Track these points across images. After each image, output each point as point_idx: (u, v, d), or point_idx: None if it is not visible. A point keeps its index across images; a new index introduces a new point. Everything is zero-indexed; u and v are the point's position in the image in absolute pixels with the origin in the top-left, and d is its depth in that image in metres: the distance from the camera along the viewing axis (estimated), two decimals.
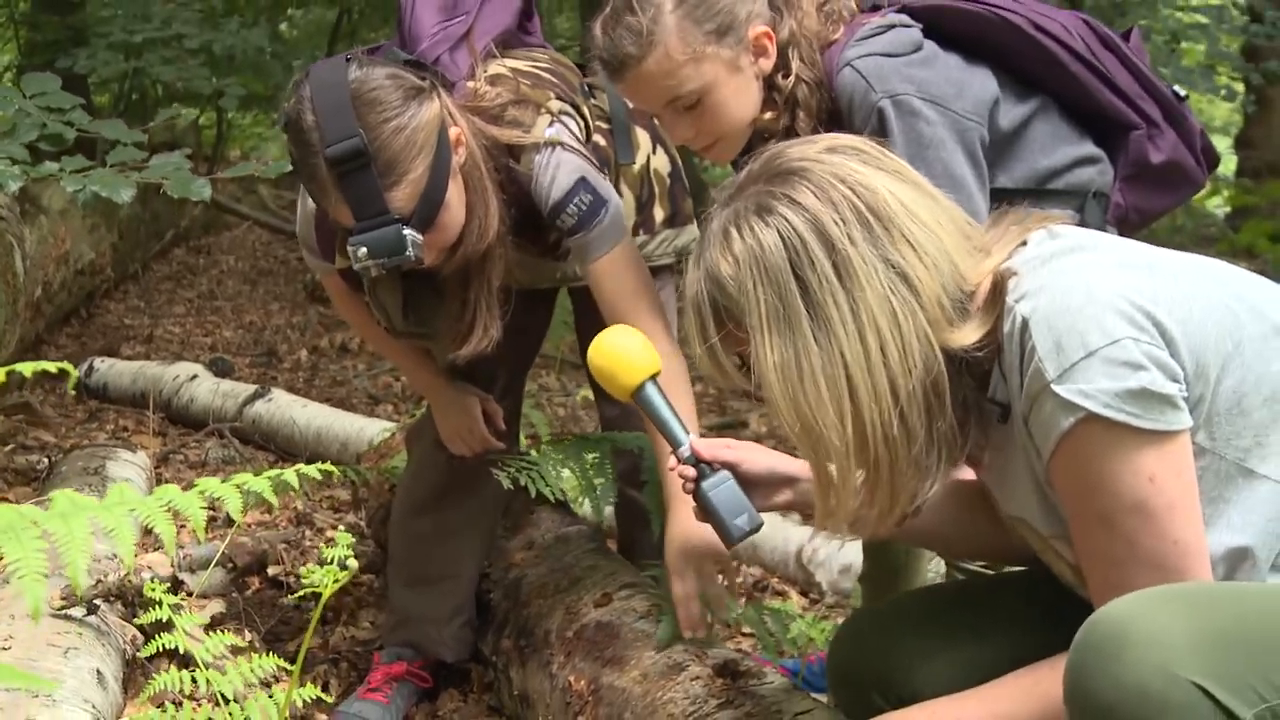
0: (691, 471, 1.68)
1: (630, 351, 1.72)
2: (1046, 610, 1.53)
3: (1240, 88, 8.60)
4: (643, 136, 2.35)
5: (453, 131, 1.94)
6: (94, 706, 1.88)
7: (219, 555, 2.65)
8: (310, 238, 2.22)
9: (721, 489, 1.66)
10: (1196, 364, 1.33)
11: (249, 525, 3.20)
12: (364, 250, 1.86)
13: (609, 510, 2.61)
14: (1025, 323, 1.34)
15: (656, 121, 2.23)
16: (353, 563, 1.22)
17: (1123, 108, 1.96)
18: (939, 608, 1.80)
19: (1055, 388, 1.31)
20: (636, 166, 2.30)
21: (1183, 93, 1.98)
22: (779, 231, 1.39)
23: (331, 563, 1.20)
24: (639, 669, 1.98)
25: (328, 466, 1.31)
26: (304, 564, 3.01)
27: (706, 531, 2.05)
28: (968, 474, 1.68)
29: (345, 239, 1.93)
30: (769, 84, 1.96)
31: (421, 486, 2.49)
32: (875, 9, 2.01)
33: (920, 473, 1.43)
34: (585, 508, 2.68)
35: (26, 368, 1.06)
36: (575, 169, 2.04)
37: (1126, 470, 1.31)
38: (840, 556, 3.13)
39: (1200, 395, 1.33)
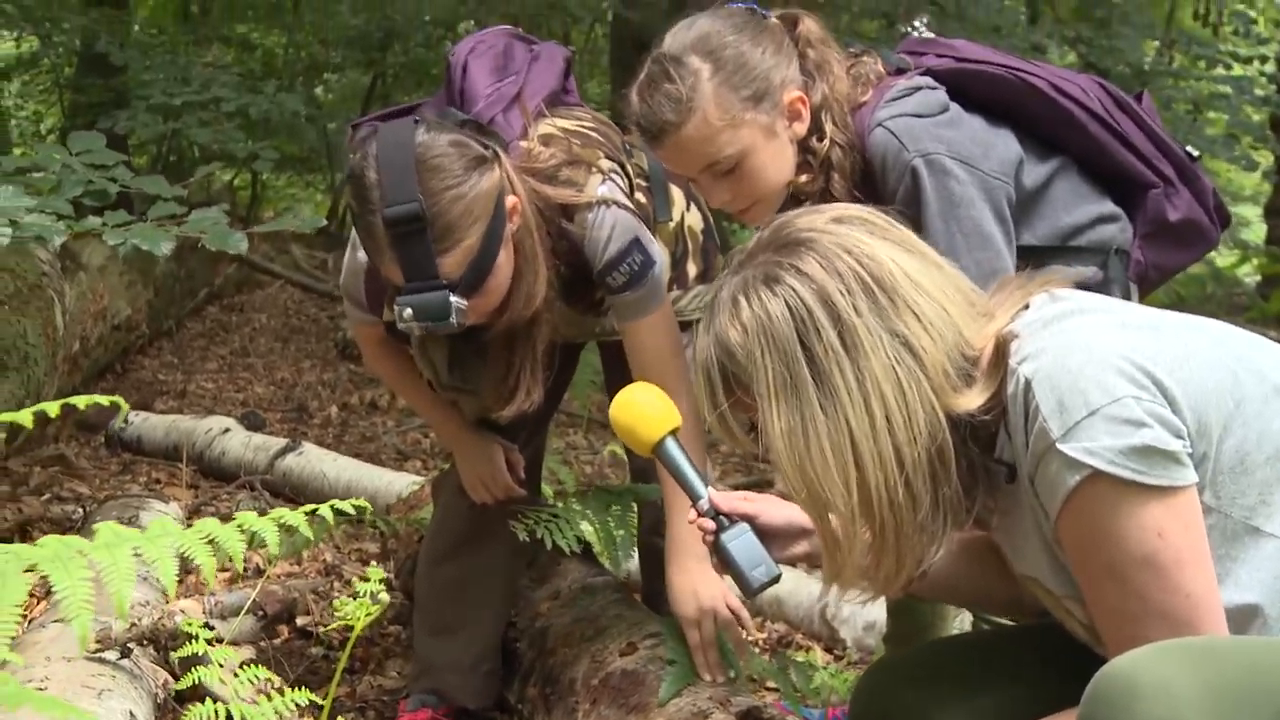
0: (711, 524, 1.71)
1: (652, 407, 1.78)
2: (1065, 661, 1.54)
3: (1262, 158, 8.63)
4: (678, 194, 2.40)
5: (510, 200, 1.99)
6: None
7: (249, 603, 2.68)
8: (357, 290, 2.27)
9: (740, 540, 1.69)
10: (1199, 422, 1.35)
11: (279, 576, 3.23)
12: (409, 312, 1.92)
13: (632, 563, 2.63)
14: (1028, 383, 1.37)
15: (692, 184, 2.29)
16: (384, 596, 1.25)
17: (1140, 167, 2.01)
18: (959, 658, 1.82)
19: (1060, 446, 1.33)
20: (672, 224, 2.36)
21: (1195, 153, 2.02)
22: (786, 302, 1.43)
23: (364, 596, 1.23)
24: (664, 716, 1.99)
25: (361, 502, 1.35)
26: (333, 616, 3.05)
27: (715, 580, 2.09)
28: None
29: (394, 295, 1.98)
30: (804, 147, 2.01)
31: (445, 535, 2.53)
32: (900, 72, 2.06)
33: (926, 537, 1.45)
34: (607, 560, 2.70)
35: (81, 401, 1.11)
36: (630, 228, 2.10)
37: (1133, 525, 1.33)
38: (864, 613, 3.13)
39: (1204, 454, 1.36)
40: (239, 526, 1.25)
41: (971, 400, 1.43)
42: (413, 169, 1.90)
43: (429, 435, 5.24)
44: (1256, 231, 11.41)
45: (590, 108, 2.38)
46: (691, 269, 2.41)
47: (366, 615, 1.23)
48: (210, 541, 1.25)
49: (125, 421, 4.60)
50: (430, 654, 2.47)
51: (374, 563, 1.28)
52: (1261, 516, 1.38)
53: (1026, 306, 1.49)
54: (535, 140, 2.11)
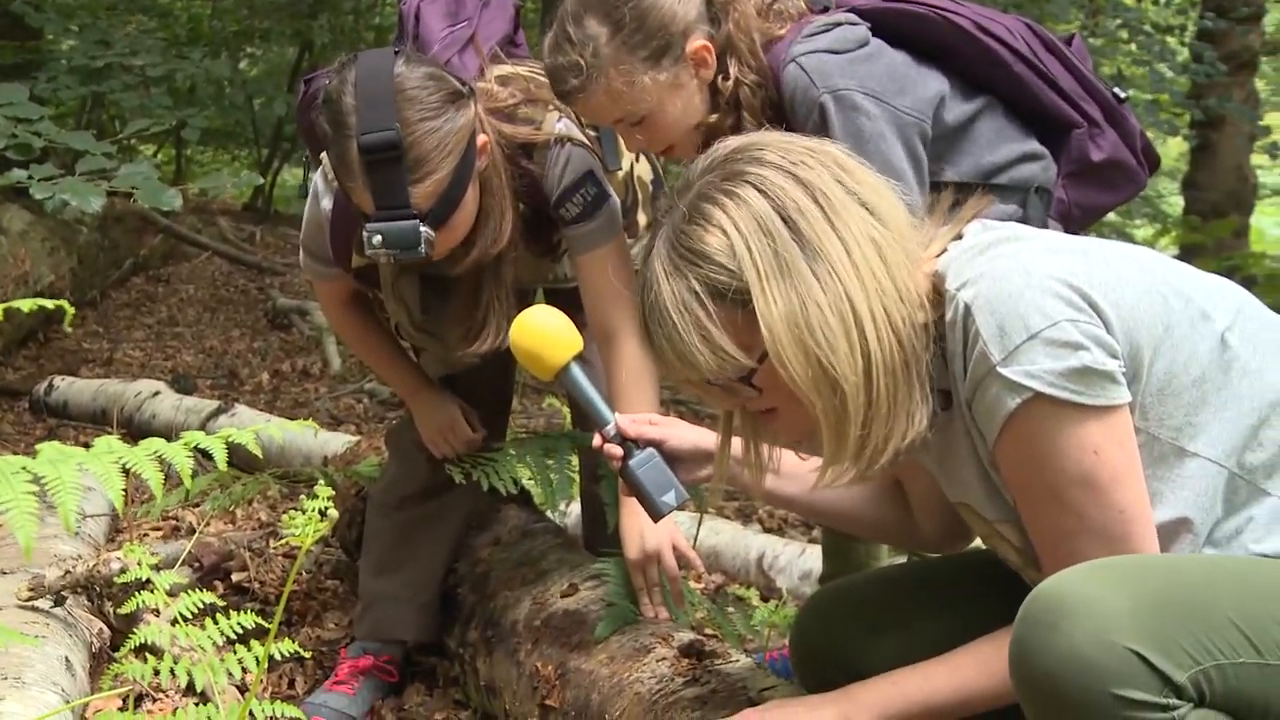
0: (618, 450, 1.71)
1: (555, 332, 1.73)
2: (1001, 588, 1.57)
3: (1181, 123, 8.82)
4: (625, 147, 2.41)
5: (480, 138, 2.01)
6: (62, 690, 1.89)
7: (185, 554, 2.66)
8: (321, 244, 2.26)
9: (648, 466, 1.70)
10: (1131, 344, 1.39)
11: (214, 533, 3.20)
12: (379, 239, 1.92)
13: (572, 507, 2.64)
14: (968, 309, 1.39)
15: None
16: (333, 512, 1.25)
17: (1065, 107, 2.03)
18: (897, 587, 1.85)
19: (1001, 370, 1.36)
20: (621, 173, 2.38)
21: (1123, 94, 2.06)
22: (756, 187, 1.42)
23: (312, 511, 1.23)
24: (606, 652, 2.01)
25: (310, 423, 1.34)
26: (270, 572, 3.03)
27: (663, 525, 2.11)
28: None
29: (364, 222, 1.97)
30: (711, 88, 2.02)
31: (398, 486, 2.53)
32: (824, 9, 2.08)
33: (912, 407, 1.45)
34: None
35: (25, 304, 1.09)
36: (585, 161, 2.13)
37: (1072, 445, 1.36)
38: (800, 562, 3.17)
39: (1135, 374, 1.39)
40: (186, 444, 1.24)
41: (919, 315, 1.45)
42: (391, 97, 1.90)
43: (362, 401, 5.21)
44: (1175, 205, 11.66)
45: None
46: (642, 218, 2.44)
47: (315, 531, 1.23)
48: (157, 458, 1.24)
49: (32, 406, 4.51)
50: (371, 590, 2.49)
51: (320, 481, 1.27)
52: (1187, 437, 1.42)
53: (959, 236, 1.52)
54: (492, 80, 2.13)
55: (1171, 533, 1.42)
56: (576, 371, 1.73)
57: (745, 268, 1.40)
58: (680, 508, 1.72)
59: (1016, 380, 1.35)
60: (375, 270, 2.24)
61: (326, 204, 2.17)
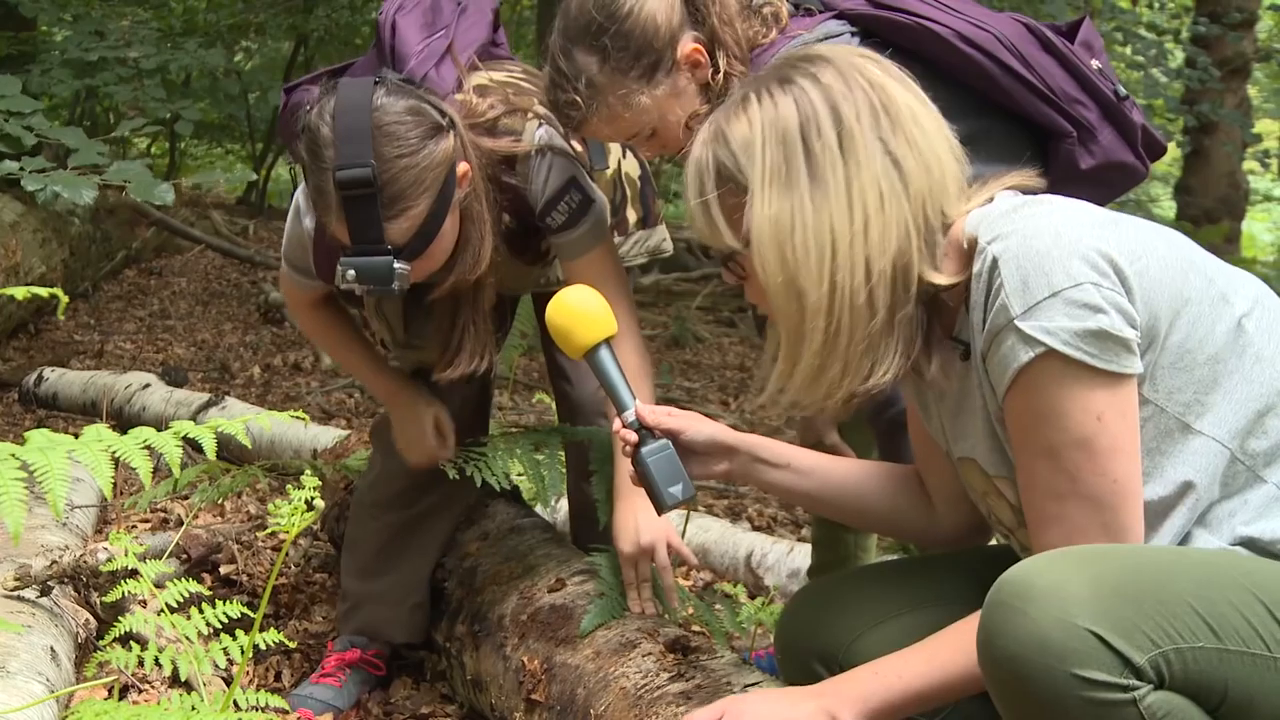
0: (633, 436, 1.72)
1: (590, 311, 1.75)
2: (982, 583, 1.58)
3: (1174, 128, 8.83)
4: (613, 143, 2.41)
5: (461, 167, 2.00)
6: (47, 679, 1.89)
7: (172, 546, 2.66)
8: (304, 258, 2.25)
9: (660, 456, 1.70)
10: (1150, 314, 1.41)
11: (203, 526, 3.20)
12: (352, 273, 1.93)
13: (561, 503, 2.64)
14: (995, 261, 1.42)
15: None
16: (319, 503, 1.26)
17: (1053, 117, 1.97)
18: (879, 581, 1.86)
19: (1018, 323, 1.39)
20: (609, 171, 2.38)
21: (1124, 92, 2.04)
22: (795, 100, 1.50)
23: (299, 501, 1.24)
24: (592, 647, 2.02)
25: (299, 414, 1.35)
26: (258, 565, 3.03)
27: (658, 519, 2.12)
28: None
29: (339, 255, 1.98)
30: (704, 85, 2.02)
31: (385, 484, 2.52)
32: (808, 14, 2.07)
33: (874, 354, 1.50)
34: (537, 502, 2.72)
35: (19, 292, 1.10)
36: (566, 169, 2.13)
37: (1077, 406, 1.39)
38: (789, 561, 3.18)
39: (1150, 344, 1.42)
40: (176, 433, 1.24)
41: (938, 277, 1.49)
42: (368, 132, 1.90)
43: (353, 395, 5.21)
44: (1168, 210, 11.69)
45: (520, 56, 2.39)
46: (631, 215, 2.44)
47: (301, 522, 1.24)
48: (146, 447, 1.24)
49: (22, 397, 4.49)
50: (357, 591, 2.48)
51: (308, 471, 1.28)
52: (1194, 414, 1.44)
53: (991, 200, 1.54)
54: (470, 92, 2.11)
55: (1171, 502, 1.44)
56: (605, 354, 1.75)
57: (754, 164, 1.49)
58: (685, 502, 1.72)
59: (1032, 334, 1.38)
60: None
61: (309, 223, 2.17)
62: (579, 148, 2.28)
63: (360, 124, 1.90)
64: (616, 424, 1.75)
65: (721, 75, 1.99)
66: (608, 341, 1.75)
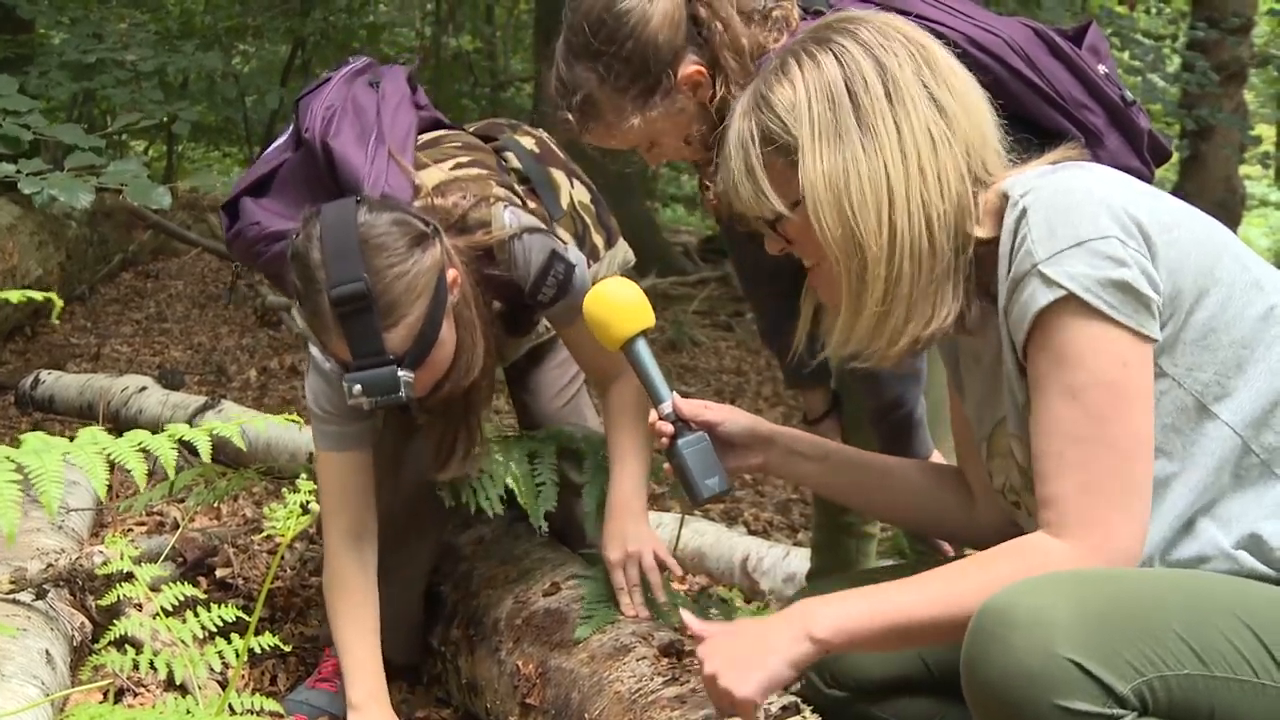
0: (670, 429, 1.73)
1: (628, 303, 1.78)
2: None
3: (1172, 132, 8.84)
4: (559, 176, 2.43)
5: (450, 274, 2.02)
6: (42, 683, 1.89)
7: (168, 549, 2.66)
8: (337, 401, 2.16)
9: (696, 449, 1.72)
10: (1174, 286, 1.41)
11: (199, 529, 3.20)
12: (359, 388, 1.93)
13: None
14: (1024, 210, 1.43)
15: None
16: (315, 506, 1.26)
17: (1061, 122, 1.97)
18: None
19: (1041, 267, 1.39)
20: (564, 206, 2.39)
21: (1131, 97, 2.04)
22: (836, 56, 1.52)
23: (294, 506, 1.24)
24: (587, 651, 2.02)
25: (293, 417, 1.35)
26: (253, 568, 3.03)
27: (647, 531, 2.14)
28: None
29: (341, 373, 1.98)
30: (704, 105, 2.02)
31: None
32: (818, 15, 2.07)
33: (936, 300, 1.50)
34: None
35: (13, 295, 1.10)
36: (544, 246, 2.13)
37: (1102, 349, 1.39)
38: (785, 565, 3.19)
39: (1171, 316, 1.41)
40: (170, 435, 1.25)
41: (977, 230, 1.50)
42: (357, 248, 1.91)
43: None
44: None
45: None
46: (598, 240, 2.45)
47: (296, 525, 1.24)
48: (142, 450, 1.25)
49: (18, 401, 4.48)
50: None
51: (303, 475, 1.28)
52: (1213, 396, 1.44)
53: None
54: (430, 196, 2.12)
55: (1178, 481, 1.44)
56: (641, 346, 1.78)
57: (801, 124, 1.51)
58: (722, 494, 1.73)
59: (1054, 278, 1.38)
60: None
61: (331, 364, 2.14)
62: (533, 204, 2.27)
63: (348, 241, 1.92)
64: (653, 416, 1.77)
65: (719, 101, 1.99)
66: (644, 334, 1.77)
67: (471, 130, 2.43)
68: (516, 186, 2.27)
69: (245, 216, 2.20)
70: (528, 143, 2.42)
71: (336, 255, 1.92)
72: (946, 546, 2.05)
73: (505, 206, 2.13)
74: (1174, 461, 1.44)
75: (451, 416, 2.20)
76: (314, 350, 2.20)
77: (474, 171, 2.20)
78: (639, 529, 2.16)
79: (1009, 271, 1.44)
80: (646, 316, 1.78)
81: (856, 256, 1.49)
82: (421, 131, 2.29)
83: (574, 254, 2.20)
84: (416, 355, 1.97)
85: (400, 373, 1.93)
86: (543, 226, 2.18)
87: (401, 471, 2.38)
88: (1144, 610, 1.30)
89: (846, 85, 1.50)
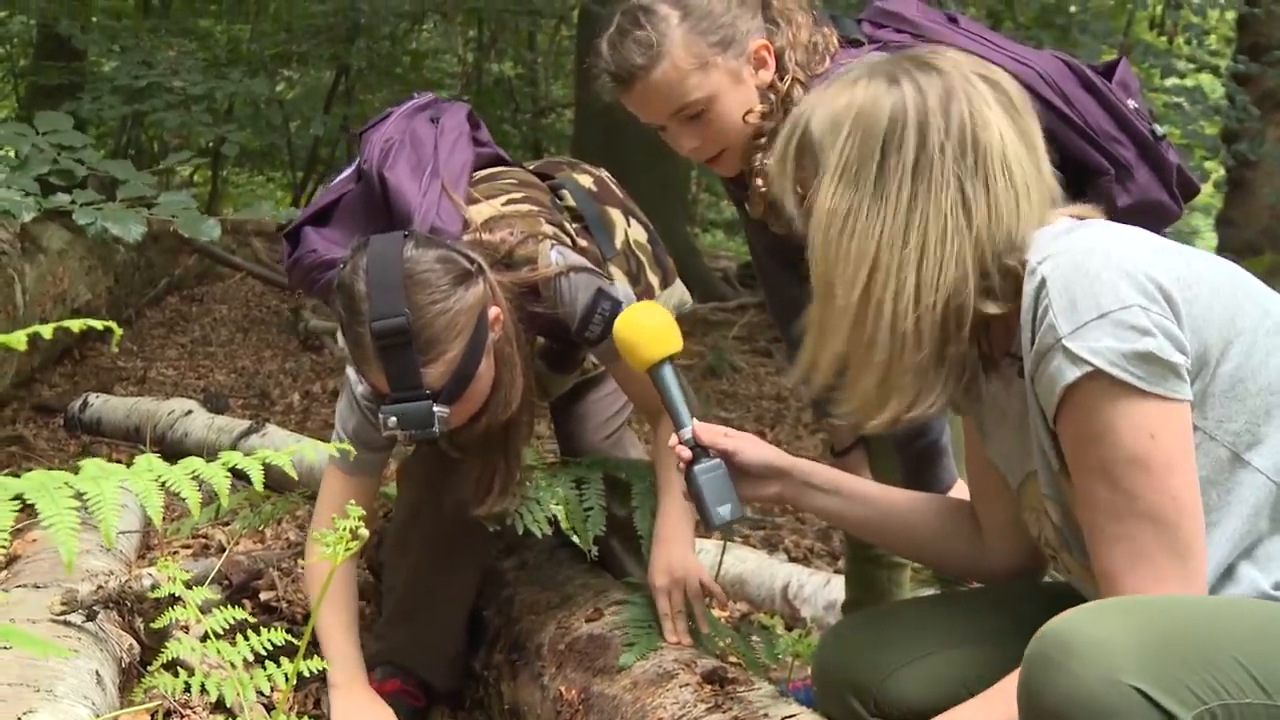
0: (688, 453, 1.76)
1: (657, 327, 1.82)
2: (1020, 622, 1.57)
3: (1213, 168, 8.77)
4: (615, 215, 2.45)
5: (492, 311, 2.05)
6: (93, 703, 1.91)
7: (214, 573, 2.69)
8: (366, 427, 2.23)
9: (712, 475, 1.74)
10: (1200, 342, 1.40)
11: (243, 552, 3.23)
12: (394, 420, 1.97)
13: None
14: (1044, 281, 1.42)
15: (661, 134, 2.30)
16: (364, 532, 1.28)
17: (1093, 155, 2.00)
18: (916, 617, 1.86)
19: (1066, 342, 1.38)
20: (618, 245, 2.40)
21: (1161, 132, 2.05)
22: (892, 104, 1.50)
23: (344, 531, 1.26)
24: (629, 678, 2.03)
25: (345, 445, 1.37)
26: (297, 592, 3.05)
27: (693, 557, 2.15)
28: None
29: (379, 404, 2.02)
30: (767, 88, 2.06)
31: (414, 530, 2.50)
32: (855, 44, 2.10)
33: (920, 383, 1.50)
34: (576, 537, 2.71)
35: (74, 325, 1.13)
36: (591, 283, 2.16)
37: (1128, 425, 1.38)
38: (825, 592, 3.18)
39: (1199, 372, 1.41)
40: (224, 464, 1.27)
41: (990, 307, 1.49)
42: (400, 284, 1.95)
43: None
44: (1208, 240, 11.60)
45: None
46: (653, 279, 2.47)
47: (346, 550, 1.26)
48: (195, 477, 1.27)
49: (67, 424, 4.53)
50: (396, 635, 2.47)
51: (352, 501, 1.30)
52: (1244, 444, 1.43)
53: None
54: (479, 231, 2.15)
55: (1218, 533, 1.43)
56: (668, 371, 1.81)
57: (834, 149, 1.51)
58: (734, 522, 1.75)
59: (1079, 354, 1.38)
60: None
61: (363, 387, 2.20)
62: (585, 243, 2.30)
63: (393, 276, 1.96)
64: (673, 440, 1.79)
65: (789, 80, 2.03)
66: (671, 359, 1.81)
67: (531, 168, 2.46)
68: (568, 225, 2.30)
69: (304, 244, 2.25)
70: (585, 181, 2.45)
71: (380, 289, 1.95)
72: None
73: (552, 245, 2.16)
74: (1212, 513, 1.43)
75: (490, 452, 2.22)
76: (350, 373, 2.23)
77: (525, 208, 2.22)
78: (685, 556, 2.18)
79: (1033, 342, 1.43)
80: (674, 341, 1.81)
81: (824, 297, 1.52)
82: (480, 167, 2.33)
83: (621, 291, 2.22)
84: (453, 391, 2.00)
85: (436, 408, 1.97)
86: (589, 265, 2.19)
87: (444, 496, 2.40)
88: (1206, 638, 1.29)
89: (885, 135, 1.49)
